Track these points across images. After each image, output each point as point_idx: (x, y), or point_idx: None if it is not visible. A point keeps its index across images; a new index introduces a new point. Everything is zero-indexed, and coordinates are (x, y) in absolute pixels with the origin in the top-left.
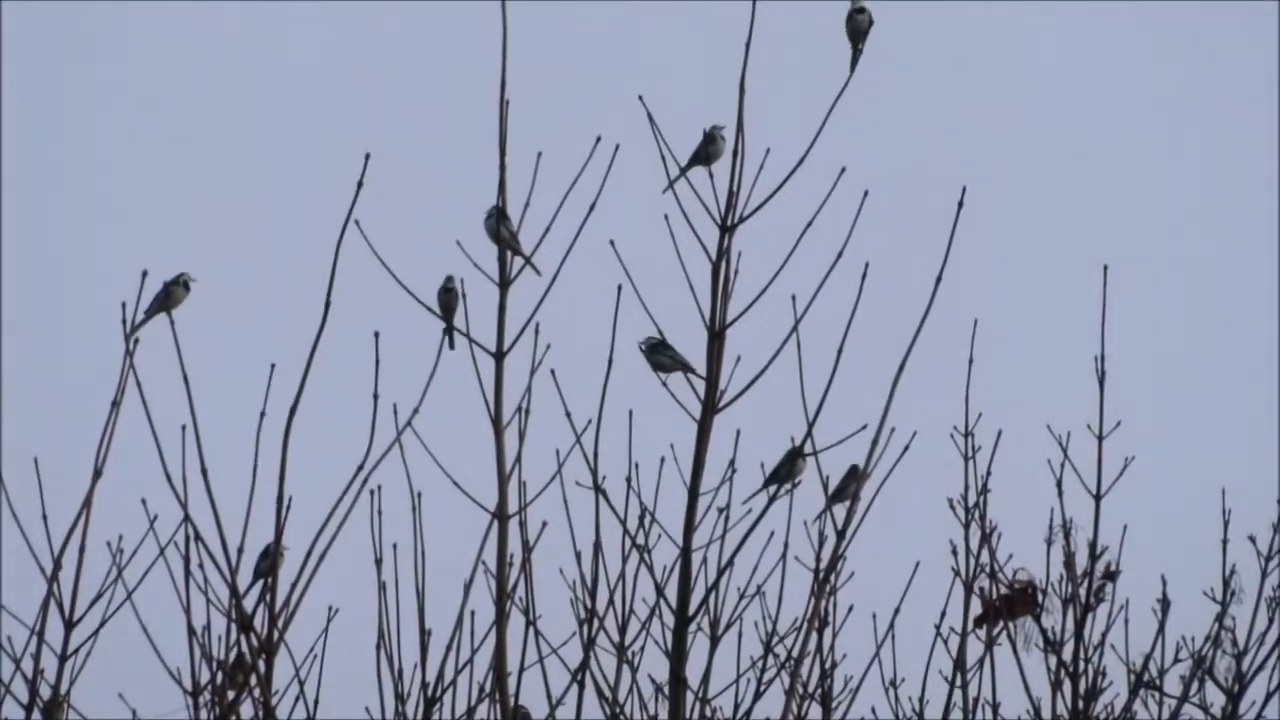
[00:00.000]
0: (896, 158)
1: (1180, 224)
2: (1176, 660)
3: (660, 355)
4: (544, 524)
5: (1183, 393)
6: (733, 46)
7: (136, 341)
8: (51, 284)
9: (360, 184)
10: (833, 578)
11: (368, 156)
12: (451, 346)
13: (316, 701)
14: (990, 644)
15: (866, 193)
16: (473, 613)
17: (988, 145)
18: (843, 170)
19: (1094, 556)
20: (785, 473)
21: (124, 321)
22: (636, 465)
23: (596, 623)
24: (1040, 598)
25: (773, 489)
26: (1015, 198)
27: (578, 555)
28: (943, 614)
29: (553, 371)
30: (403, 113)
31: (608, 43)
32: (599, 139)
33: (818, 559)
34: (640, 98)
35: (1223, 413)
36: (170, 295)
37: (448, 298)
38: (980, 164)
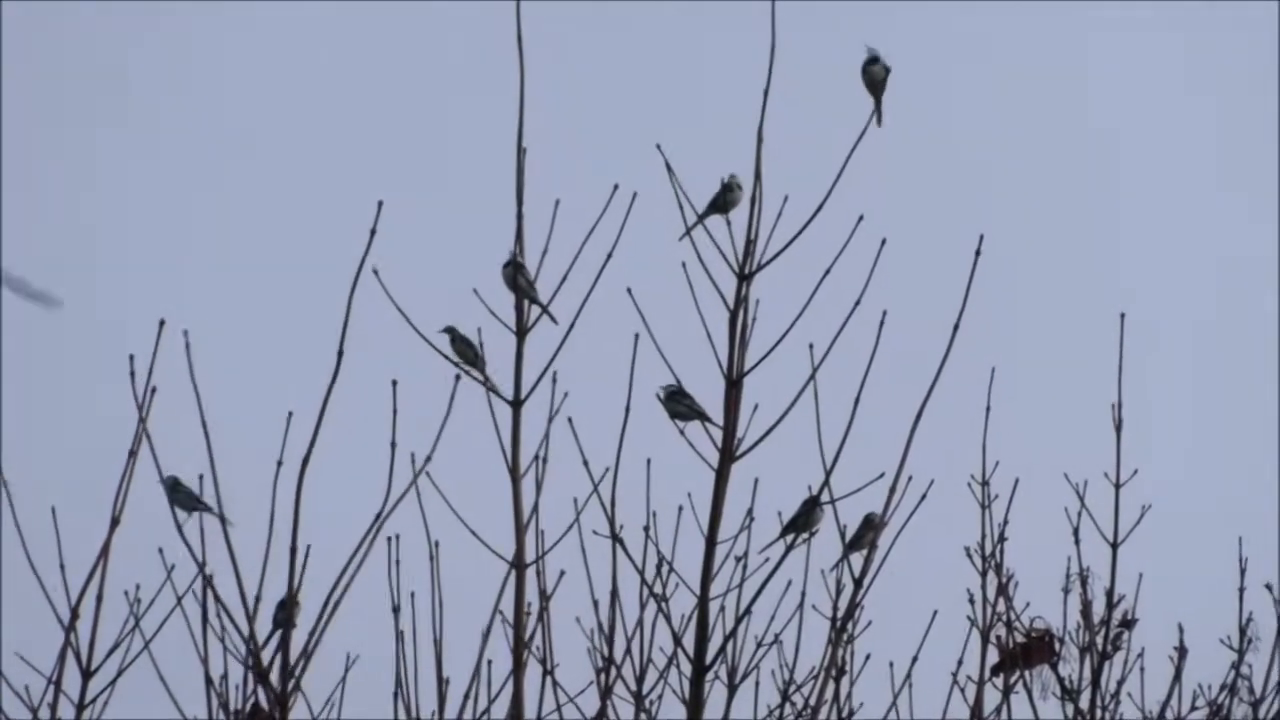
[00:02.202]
0: (915, 204)
1: (1199, 270)
2: (1193, 708)
3: (678, 404)
4: (561, 573)
5: (1200, 440)
6: (751, 94)
7: (154, 390)
8: (70, 330)
9: (374, 231)
10: (850, 626)
11: (380, 204)
12: (489, 389)
13: None
14: (1007, 692)
15: (884, 240)
16: (490, 661)
17: (1006, 192)
18: (860, 218)
19: (1111, 605)
20: (803, 521)
21: (131, 375)
22: (654, 514)
23: (614, 671)
24: (1057, 646)
25: (790, 538)
26: (1034, 244)
27: (595, 604)
28: (960, 662)
29: (570, 420)
30: (419, 160)
31: (625, 91)
32: (616, 187)
33: (835, 608)
34: (658, 146)
35: (1240, 460)
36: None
37: (459, 347)
38: (998, 211)
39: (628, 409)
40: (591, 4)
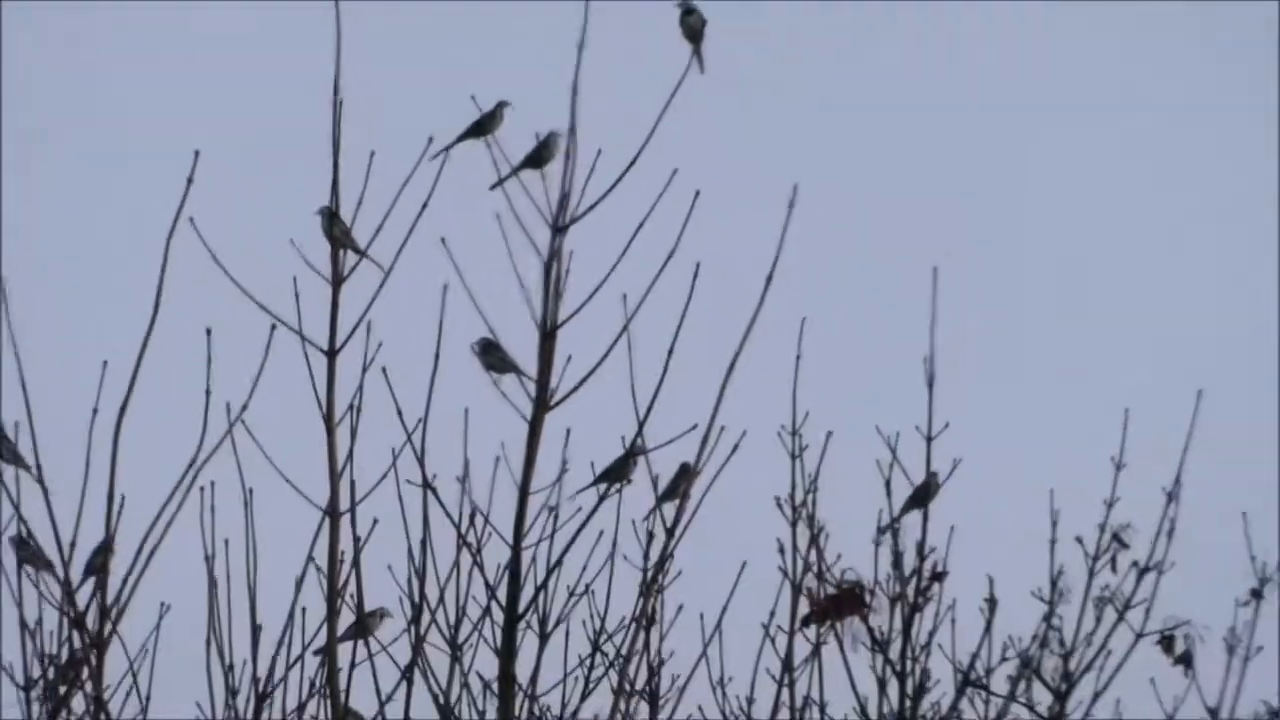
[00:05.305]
0: (730, 157)
1: (1011, 222)
2: (1004, 660)
3: (491, 356)
4: (375, 521)
5: (1011, 393)
6: (568, 48)
7: None
8: None
9: (190, 180)
10: (661, 577)
11: (197, 153)
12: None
13: (149, 696)
14: (818, 643)
15: (698, 193)
16: (304, 609)
17: (820, 143)
18: (675, 172)
19: (922, 557)
20: (616, 471)
21: None
22: (468, 464)
23: (427, 620)
24: (868, 597)
25: (602, 487)
26: (847, 195)
27: (409, 553)
28: (771, 613)
29: (384, 369)
30: (236, 110)
31: (443, 44)
32: (431, 139)
33: (646, 558)
34: (473, 98)
35: (1051, 413)
36: None
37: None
38: (812, 161)
39: (436, 358)
40: None
